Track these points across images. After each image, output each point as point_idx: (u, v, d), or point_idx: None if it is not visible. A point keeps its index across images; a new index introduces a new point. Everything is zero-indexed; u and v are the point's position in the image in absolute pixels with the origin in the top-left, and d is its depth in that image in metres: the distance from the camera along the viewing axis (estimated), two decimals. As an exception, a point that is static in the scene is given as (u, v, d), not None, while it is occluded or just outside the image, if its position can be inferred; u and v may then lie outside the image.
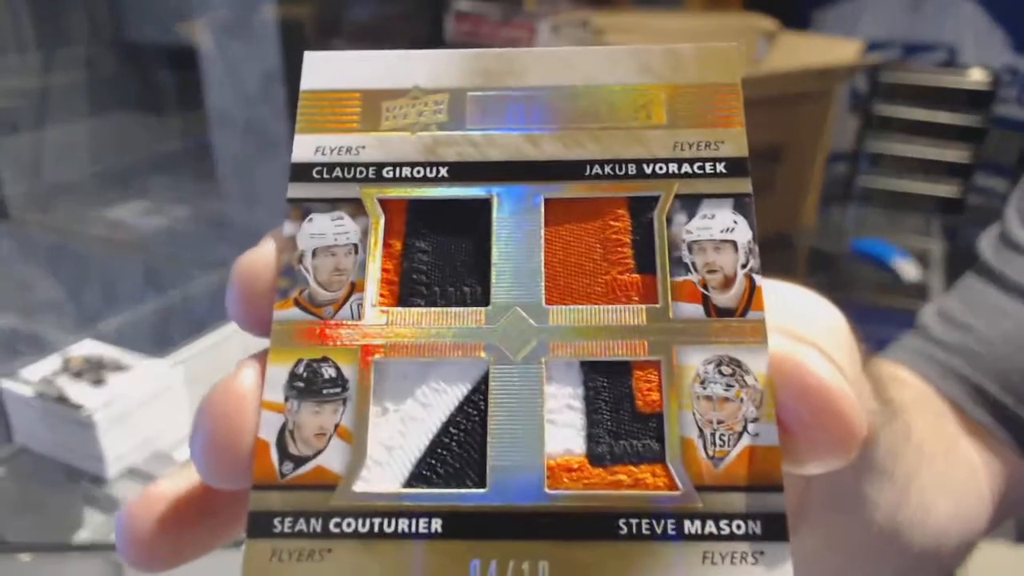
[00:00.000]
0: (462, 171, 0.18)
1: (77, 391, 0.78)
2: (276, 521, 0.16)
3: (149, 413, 0.80)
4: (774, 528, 0.15)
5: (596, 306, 0.17)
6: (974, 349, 0.48)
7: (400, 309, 0.18)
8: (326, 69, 0.20)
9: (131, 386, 0.79)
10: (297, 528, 0.16)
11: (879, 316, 1.15)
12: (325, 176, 0.19)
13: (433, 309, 0.18)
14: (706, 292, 0.17)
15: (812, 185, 1.33)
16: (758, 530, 0.15)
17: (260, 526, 0.16)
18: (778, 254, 1.27)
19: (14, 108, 1.60)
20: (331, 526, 0.16)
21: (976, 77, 1.37)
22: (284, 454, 0.16)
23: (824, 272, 1.32)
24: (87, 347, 0.86)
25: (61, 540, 0.74)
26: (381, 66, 0.20)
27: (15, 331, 1.31)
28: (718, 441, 0.16)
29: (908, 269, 1.23)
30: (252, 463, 0.16)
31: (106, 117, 1.72)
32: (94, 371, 0.81)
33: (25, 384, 0.80)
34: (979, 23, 1.69)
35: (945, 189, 1.41)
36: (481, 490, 0.16)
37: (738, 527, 0.15)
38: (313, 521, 0.16)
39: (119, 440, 0.78)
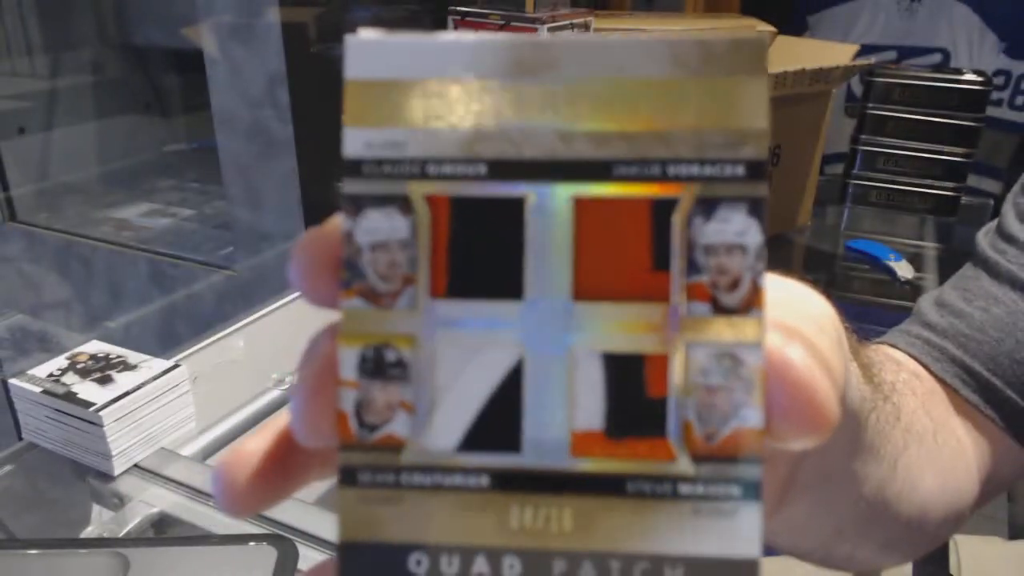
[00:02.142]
0: (499, 169, 0.20)
1: (84, 389, 0.79)
2: (359, 474, 0.19)
3: (155, 411, 0.81)
4: (750, 492, 0.19)
5: (617, 303, 0.20)
6: (966, 333, 0.50)
7: (448, 301, 0.20)
8: (369, 57, 0.21)
9: (137, 384, 0.80)
10: (376, 480, 0.19)
11: (874, 315, 1.16)
12: (374, 172, 0.20)
13: (476, 302, 0.20)
14: (714, 292, 0.19)
15: (808, 186, 1.33)
16: (739, 493, 0.19)
17: (348, 478, 0.19)
18: (775, 254, 1.27)
19: (22, 111, 1.61)
20: (402, 480, 0.19)
21: (969, 80, 1.37)
22: (360, 423, 0.20)
23: (819, 272, 1.32)
24: (94, 347, 0.87)
25: (68, 536, 0.75)
26: (423, 54, 0.21)
27: (23, 330, 1.32)
28: (712, 422, 0.19)
29: (902, 269, 1.23)
30: (336, 427, 0.20)
31: (112, 119, 1.72)
32: (101, 370, 0.82)
33: (33, 382, 0.81)
34: (972, 27, 1.69)
35: (939, 190, 1.41)
36: (518, 455, 0.19)
37: (721, 490, 0.19)
38: (388, 475, 0.19)
39: (125, 437, 0.79)
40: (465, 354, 0.20)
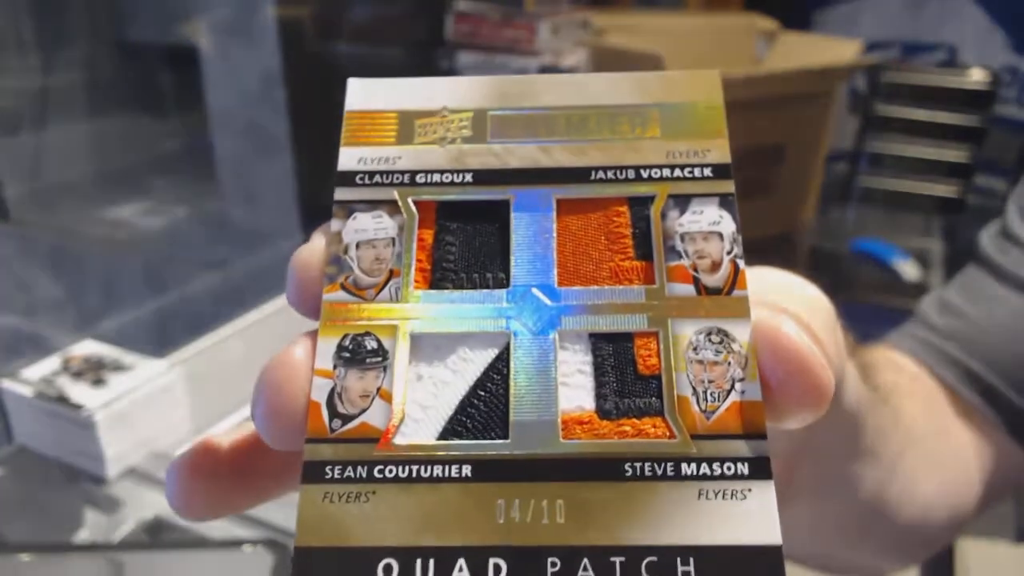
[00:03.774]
0: (485, 177, 0.21)
1: (77, 391, 0.78)
2: (327, 469, 0.18)
3: (149, 413, 0.80)
4: (760, 469, 0.18)
5: (602, 287, 0.20)
6: (968, 335, 0.50)
7: (432, 291, 0.20)
8: (366, 93, 0.23)
9: (131, 386, 0.79)
10: (345, 475, 0.18)
11: (879, 316, 1.15)
12: (366, 182, 0.22)
13: (460, 292, 0.20)
14: (696, 275, 0.20)
15: (812, 185, 1.33)
16: (746, 471, 0.18)
17: (313, 473, 0.18)
18: (778, 254, 1.27)
19: (14, 109, 1.60)
20: (375, 472, 0.18)
21: (976, 77, 1.37)
22: (334, 413, 0.19)
23: (824, 272, 1.32)
24: (87, 347, 0.86)
25: (61, 540, 0.74)
26: (414, 90, 0.23)
27: (15, 331, 1.31)
28: (709, 397, 0.18)
29: (908, 269, 1.23)
30: (305, 426, 0.19)
31: (106, 117, 1.71)
32: (94, 371, 0.81)
33: (25, 384, 0.80)
34: (979, 23, 1.69)
35: (945, 189, 1.41)
36: (505, 441, 0.18)
37: (728, 468, 0.18)
38: (359, 468, 0.18)
39: (119, 440, 0.78)
40: (448, 342, 0.20)
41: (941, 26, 1.72)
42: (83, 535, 0.75)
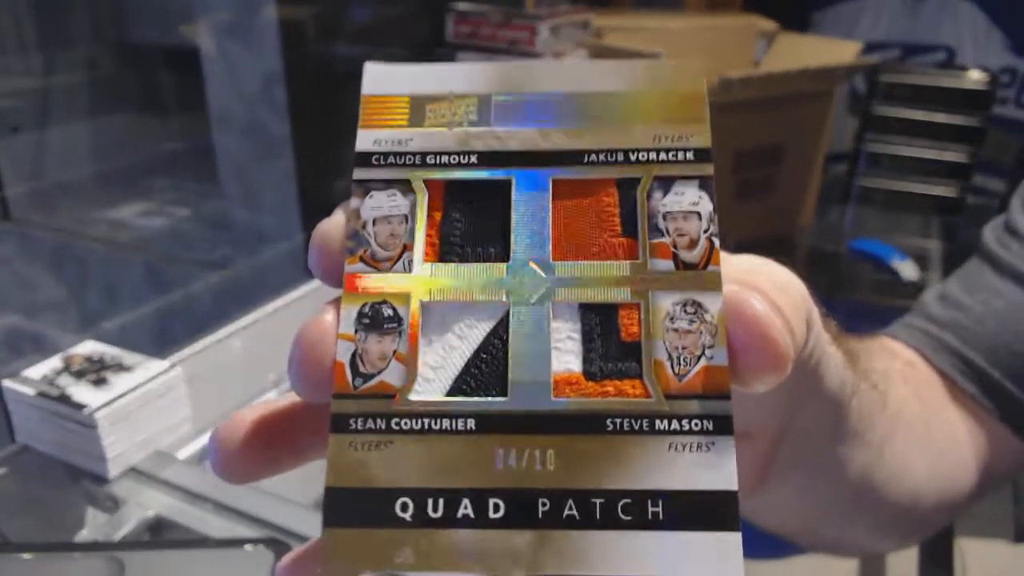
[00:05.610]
0: (489, 158, 0.23)
1: (79, 391, 0.78)
2: (351, 421, 0.20)
3: (150, 413, 0.80)
4: (722, 426, 0.20)
5: (591, 262, 0.22)
6: (965, 324, 0.51)
7: (440, 264, 0.22)
8: (381, 79, 0.25)
9: (132, 386, 0.79)
10: (367, 426, 0.20)
11: (878, 316, 1.15)
12: (382, 162, 0.23)
13: (466, 264, 0.22)
14: (676, 251, 0.22)
15: (811, 185, 1.33)
16: (710, 427, 0.20)
17: (340, 424, 0.20)
18: (777, 254, 1.27)
19: (16, 109, 1.60)
20: (392, 424, 0.20)
21: (974, 78, 1.37)
22: (356, 372, 0.21)
23: (823, 272, 1.32)
24: (88, 347, 0.86)
25: (63, 539, 0.74)
26: (425, 76, 0.25)
27: (17, 331, 1.31)
28: (682, 362, 0.21)
29: (907, 269, 1.23)
30: (331, 381, 0.21)
31: (108, 118, 1.72)
32: (95, 371, 0.81)
33: (27, 384, 0.80)
34: (977, 24, 1.69)
35: (944, 189, 1.41)
36: (504, 398, 0.21)
37: (695, 424, 0.20)
38: (379, 421, 0.20)
39: (120, 440, 0.78)
40: (455, 310, 0.22)
41: (940, 27, 1.73)
42: (84, 534, 0.75)
